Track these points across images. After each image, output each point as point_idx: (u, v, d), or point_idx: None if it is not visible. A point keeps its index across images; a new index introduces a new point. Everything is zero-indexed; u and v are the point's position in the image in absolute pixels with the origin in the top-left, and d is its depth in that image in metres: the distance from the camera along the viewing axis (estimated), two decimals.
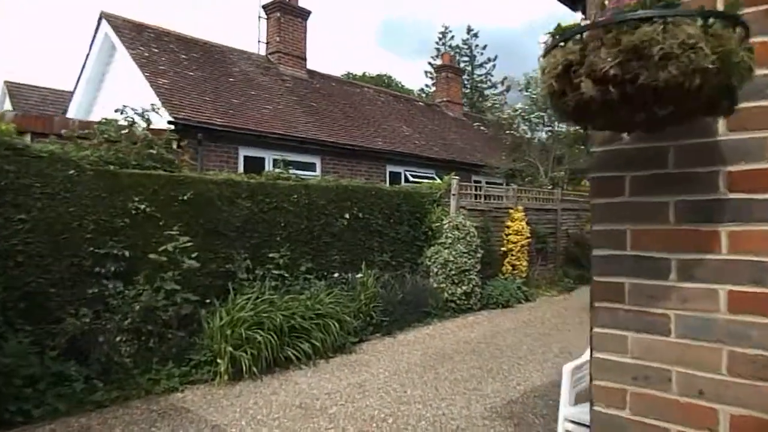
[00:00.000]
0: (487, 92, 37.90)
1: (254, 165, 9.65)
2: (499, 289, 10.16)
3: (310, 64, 14.63)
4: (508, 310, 9.85)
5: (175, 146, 7.52)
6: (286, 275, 7.06)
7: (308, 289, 7.08)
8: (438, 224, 9.67)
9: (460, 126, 19.18)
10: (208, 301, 6.14)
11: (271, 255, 6.95)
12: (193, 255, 5.91)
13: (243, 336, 5.75)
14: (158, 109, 7.22)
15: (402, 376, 5.89)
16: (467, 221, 9.61)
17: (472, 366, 6.25)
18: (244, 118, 10.14)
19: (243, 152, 9.93)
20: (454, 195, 9.83)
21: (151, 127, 6.71)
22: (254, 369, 5.68)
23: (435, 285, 9.24)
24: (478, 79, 39.21)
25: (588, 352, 1.99)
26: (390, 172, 13.23)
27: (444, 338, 7.65)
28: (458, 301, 9.29)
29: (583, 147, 15.03)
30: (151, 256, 5.62)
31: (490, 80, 38.89)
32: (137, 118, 6.58)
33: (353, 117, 13.97)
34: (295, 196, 7.37)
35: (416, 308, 8.50)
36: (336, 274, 7.84)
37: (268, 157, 10.06)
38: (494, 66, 38.96)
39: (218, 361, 5.61)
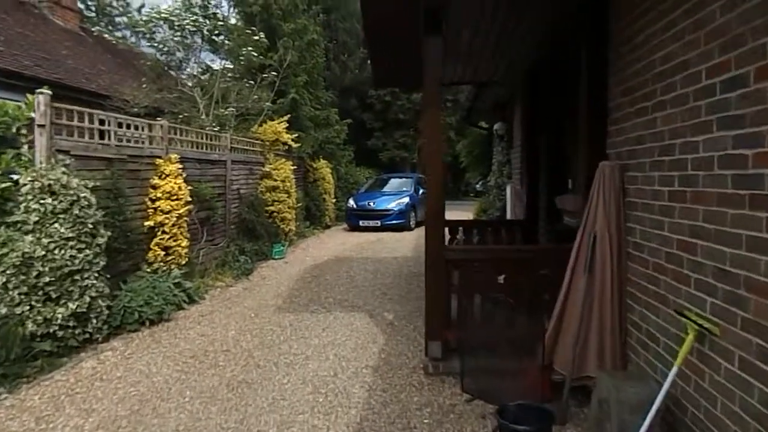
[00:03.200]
0: (119, 20, 30.53)
1: None
2: (143, 293, 5.95)
3: None
4: (163, 328, 5.80)
5: None
6: None
7: None
8: (8, 186, 4.82)
9: (78, 42, 13.28)
10: None
11: None
12: None
13: None
14: None
15: None
16: (75, 179, 5.05)
17: None
18: None
19: None
20: (42, 128, 5.05)
21: None
22: None
23: (4, 310, 4.48)
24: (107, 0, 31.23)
25: None
26: None
27: None
28: (61, 334, 4.78)
29: (252, 82, 11.60)
30: None
31: (123, 5, 31.41)
32: None
33: None
34: None
35: None
36: None
37: None
38: None
39: None
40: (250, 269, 8.96)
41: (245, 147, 10.49)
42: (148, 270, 6.55)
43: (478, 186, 24.40)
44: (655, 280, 3.18)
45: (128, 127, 6.67)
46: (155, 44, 9.84)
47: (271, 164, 11.30)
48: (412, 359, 4.72)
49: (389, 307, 6.59)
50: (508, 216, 9.07)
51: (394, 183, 17.73)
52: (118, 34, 30.21)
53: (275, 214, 11.05)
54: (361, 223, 15.14)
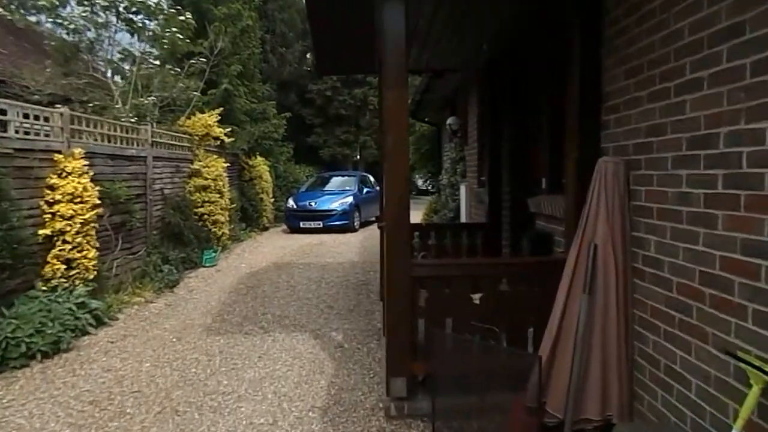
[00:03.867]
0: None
1: None
2: (34, 318, 4.84)
3: None
4: (59, 362, 4.70)
5: None
6: None
7: None
8: None
9: None
10: None
11: None
12: None
13: None
14: None
15: None
16: None
17: None
18: None
19: None
20: None
21: None
22: None
23: None
24: None
25: None
26: None
27: None
28: None
29: (179, 69, 10.40)
30: None
31: None
32: None
33: None
34: None
35: None
36: None
37: None
38: None
39: None
40: (176, 280, 7.86)
41: (170, 141, 9.32)
42: (45, 288, 5.41)
43: (422, 184, 23.86)
44: (683, 306, 2.53)
45: (2, 113, 5.41)
46: (60, 21, 8.50)
47: (200, 161, 10.18)
48: (369, 395, 3.92)
49: (337, 325, 5.76)
50: (463, 218, 8.43)
51: (336, 181, 16.84)
52: (33, 18, 27.60)
53: (206, 216, 9.95)
54: (301, 224, 14.18)
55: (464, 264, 3.57)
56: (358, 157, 27.12)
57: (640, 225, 2.94)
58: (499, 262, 3.62)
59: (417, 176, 23.56)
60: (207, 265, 9.25)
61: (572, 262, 3.11)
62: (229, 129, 11.37)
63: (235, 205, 11.84)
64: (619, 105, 3.15)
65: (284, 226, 14.98)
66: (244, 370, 4.49)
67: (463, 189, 8.40)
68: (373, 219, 16.57)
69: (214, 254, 9.60)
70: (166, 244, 8.57)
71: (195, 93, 10.21)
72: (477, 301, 3.55)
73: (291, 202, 14.85)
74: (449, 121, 8.96)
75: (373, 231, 14.44)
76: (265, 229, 14.75)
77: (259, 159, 14.74)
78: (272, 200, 15.57)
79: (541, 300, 3.37)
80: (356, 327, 5.66)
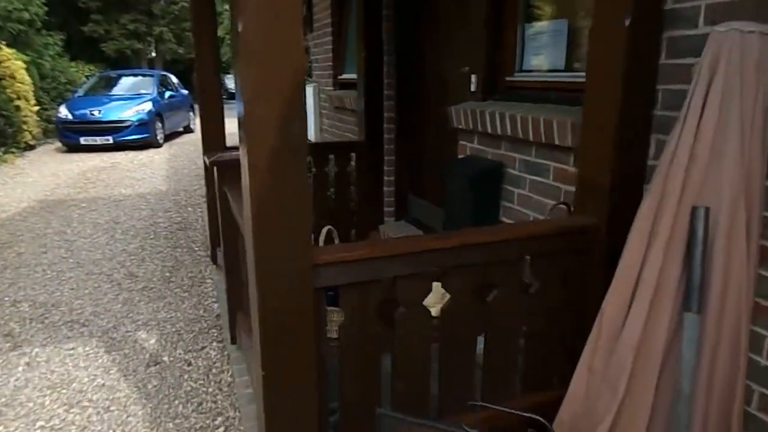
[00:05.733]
0: None
1: None
2: None
3: None
4: None
5: None
6: None
7: None
8: None
9: None
10: None
11: None
12: None
13: None
14: None
15: None
16: None
17: None
18: None
19: None
20: None
21: None
22: None
23: None
24: None
25: None
26: None
27: None
28: None
29: None
30: None
31: None
32: None
33: None
34: None
35: None
36: None
37: None
38: None
39: None
40: None
41: None
42: None
43: (233, 86, 20.66)
44: None
45: None
46: None
47: None
48: None
49: (147, 313, 3.64)
50: (311, 132, 6.48)
51: (126, 83, 13.17)
52: None
53: None
54: (82, 140, 10.78)
55: (421, 252, 1.74)
56: (154, 53, 22.58)
57: None
58: (479, 239, 1.87)
59: (225, 76, 20.45)
60: None
61: (656, 241, 1.53)
62: None
63: None
64: None
65: (59, 144, 11.37)
66: None
67: (309, 92, 6.38)
68: (182, 130, 13.71)
69: None
70: None
71: None
72: (437, 314, 1.85)
73: (64, 111, 11.16)
74: None
75: (184, 146, 11.71)
76: (30, 148, 11.01)
77: (8, 51, 10.66)
78: (36, 108, 11.64)
79: (570, 310, 1.81)
80: (179, 314, 3.61)
